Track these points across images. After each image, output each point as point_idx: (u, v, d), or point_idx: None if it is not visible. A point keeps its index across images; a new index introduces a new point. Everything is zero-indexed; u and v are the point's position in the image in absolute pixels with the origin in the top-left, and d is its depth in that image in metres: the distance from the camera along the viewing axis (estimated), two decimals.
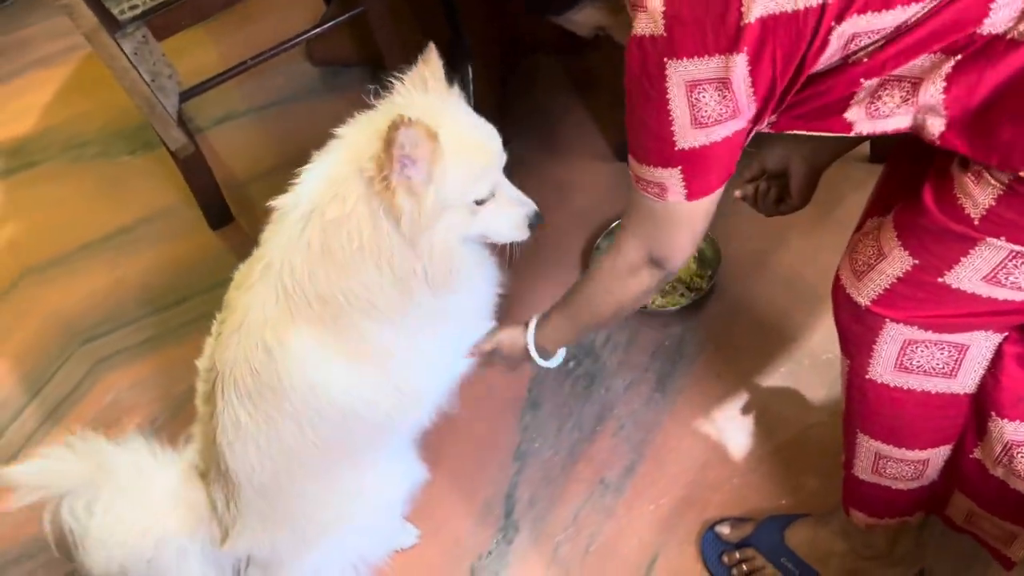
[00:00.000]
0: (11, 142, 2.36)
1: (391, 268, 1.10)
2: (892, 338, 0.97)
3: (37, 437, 1.75)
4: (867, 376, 1.02)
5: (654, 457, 1.50)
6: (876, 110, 0.89)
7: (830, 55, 0.88)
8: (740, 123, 0.92)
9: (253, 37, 2.33)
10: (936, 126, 0.86)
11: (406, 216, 1.04)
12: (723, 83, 0.88)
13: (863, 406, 1.06)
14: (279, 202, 1.14)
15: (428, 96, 1.12)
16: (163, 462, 1.32)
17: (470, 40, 1.90)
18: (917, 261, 0.92)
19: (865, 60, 0.87)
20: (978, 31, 0.82)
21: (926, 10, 0.83)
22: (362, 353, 1.16)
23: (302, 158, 2.27)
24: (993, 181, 0.83)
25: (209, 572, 1.35)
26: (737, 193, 1.29)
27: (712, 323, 1.64)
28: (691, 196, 0.98)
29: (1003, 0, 0.81)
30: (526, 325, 1.26)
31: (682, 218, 1.01)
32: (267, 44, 2.30)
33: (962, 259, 0.89)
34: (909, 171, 0.96)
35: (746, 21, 0.84)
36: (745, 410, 1.52)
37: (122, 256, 2.03)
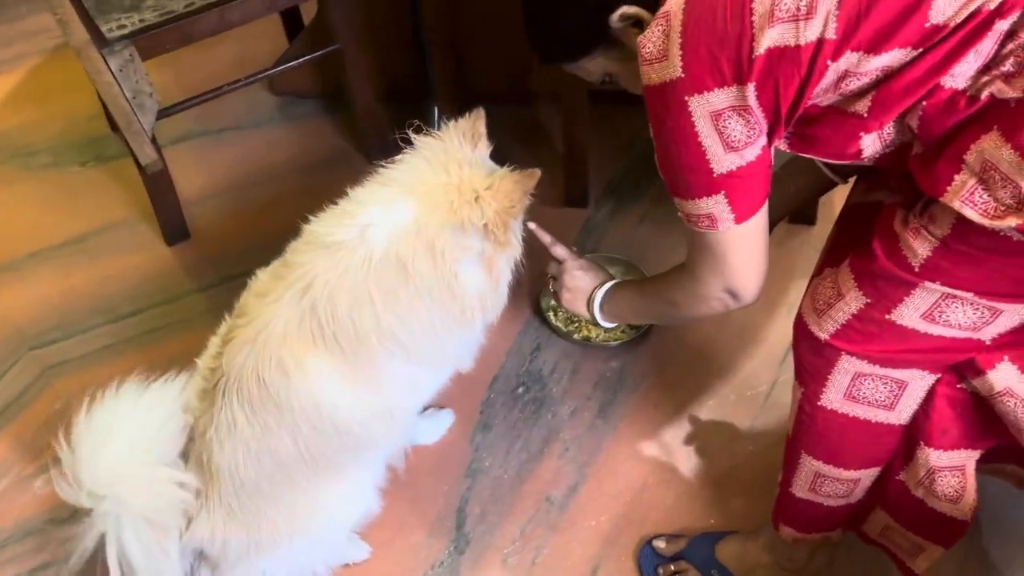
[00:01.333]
0: None
1: (460, 309, 1.25)
2: (845, 370, 1.11)
3: None
4: (819, 403, 1.16)
5: (596, 478, 1.63)
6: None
7: (825, 87, 0.98)
8: (765, 139, 1.02)
9: (214, 61, 2.40)
10: (916, 148, 1.01)
11: (504, 258, 1.24)
12: (743, 109, 0.98)
13: (811, 429, 1.20)
14: (333, 233, 1.21)
15: (477, 152, 1.24)
16: None
17: (440, 79, 2.03)
18: (869, 300, 1.06)
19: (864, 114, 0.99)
20: (941, 83, 0.95)
21: (909, 58, 0.95)
22: (368, 380, 1.25)
23: (254, 183, 2.36)
24: (929, 236, 0.99)
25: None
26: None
27: (650, 358, 1.79)
28: (740, 218, 1.06)
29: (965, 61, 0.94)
30: (602, 282, 1.45)
31: (740, 243, 1.09)
32: (226, 68, 2.38)
33: (905, 299, 1.03)
34: (859, 231, 1.11)
35: (757, 54, 0.95)
36: (679, 438, 1.67)
37: (74, 266, 2.04)
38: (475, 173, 1.22)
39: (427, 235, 1.20)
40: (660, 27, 1.00)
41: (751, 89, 0.97)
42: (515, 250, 1.30)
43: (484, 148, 1.27)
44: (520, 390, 1.76)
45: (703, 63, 0.96)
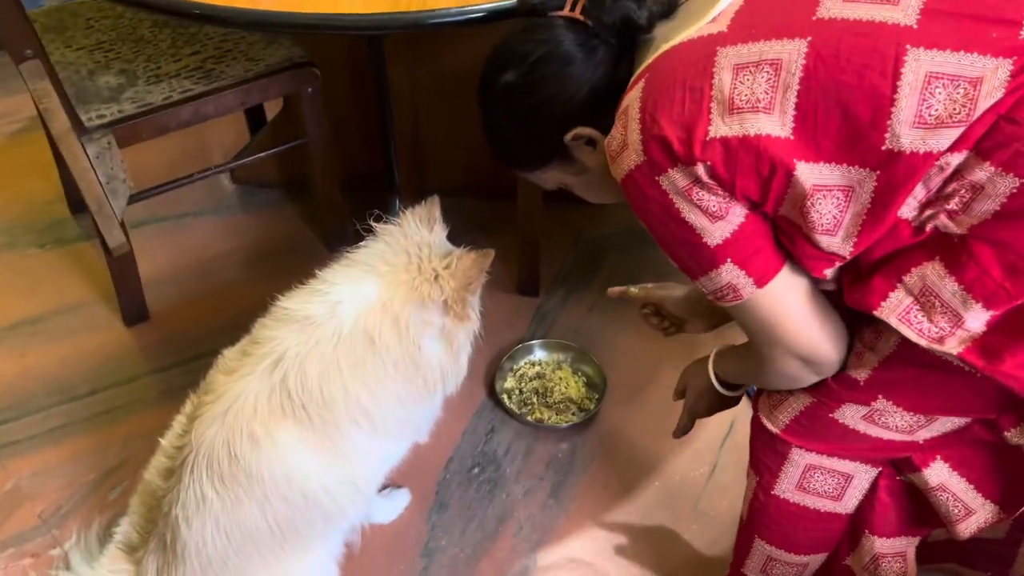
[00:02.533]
0: None
1: (423, 380, 1.34)
2: (796, 463, 1.18)
3: None
4: (772, 492, 1.23)
5: (550, 556, 1.68)
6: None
7: (792, 199, 0.96)
8: (742, 209, 0.98)
9: (175, 147, 2.48)
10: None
11: (464, 332, 1.32)
12: (703, 184, 0.97)
13: (764, 516, 1.26)
14: (304, 309, 1.29)
15: (433, 234, 1.35)
16: None
17: (403, 173, 2.14)
18: (814, 399, 1.13)
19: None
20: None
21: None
22: (336, 449, 1.30)
23: (214, 269, 2.40)
24: (871, 357, 1.04)
25: None
26: (611, 292, 1.50)
27: (599, 441, 1.87)
28: (760, 281, 1.01)
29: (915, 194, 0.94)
30: (706, 360, 1.35)
31: (780, 307, 1.03)
32: (187, 155, 2.46)
33: (847, 401, 1.09)
34: None
35: (712, 137, 0.94)
36: (627, 517, 1.74)
37: (30, 345, 2.05)
38: (434, 254, 1.33)
39: (392, 311, 1.29)
40: (620, 123, 1.03)
41: (701, 169, 0.96)
42: (474, 324, 1.40)
43: (441, 231, 1.38)
44: (475, 470, 1.82)
45: (658, 144, 0.97)
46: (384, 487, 1.75)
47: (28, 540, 1.70)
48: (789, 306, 1.03)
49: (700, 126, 0.95)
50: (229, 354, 1.36)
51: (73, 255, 2.28)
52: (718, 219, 0.98)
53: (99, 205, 1.78)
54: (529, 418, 1.89)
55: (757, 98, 0.94)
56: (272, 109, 2.42)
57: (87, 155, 1.72)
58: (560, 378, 1.96)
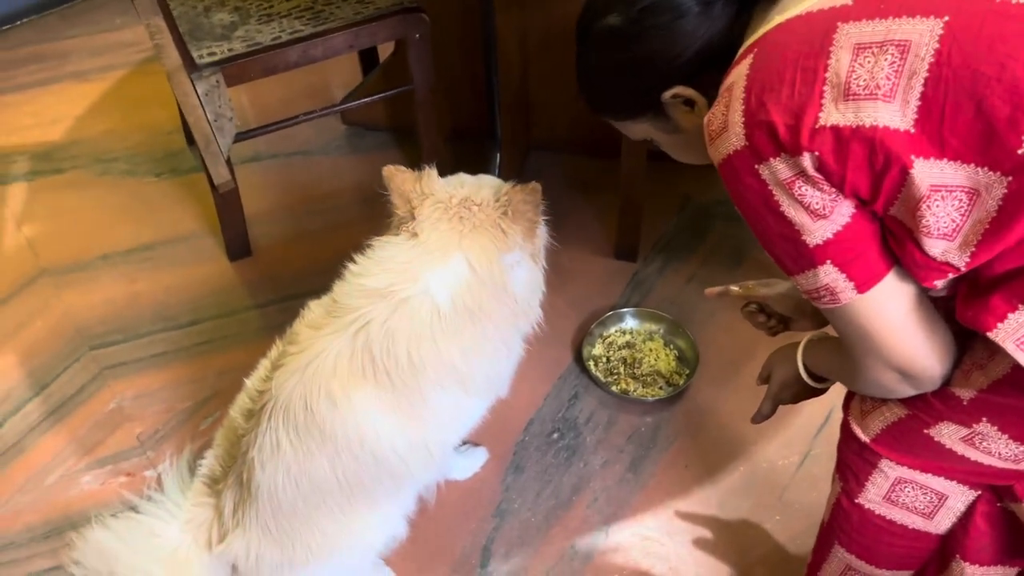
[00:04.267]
0: (41, 146, 2.47)
1: (518, 315, 1.38)
2: (885, 475, 1.10)
3: (37, 432, 1.83)
4: (856, 500, 1.15)
5: (622, 531, 1.65)
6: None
7: (906, 199, 0.87)
8: (849, 207, 0.90)
9: (289, 86, 2.50)
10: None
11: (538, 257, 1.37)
12: (808, 178, 0.89)
13: (847, 524, 1.19)
14: (379, 281, 1.29)
15: (466, 187, 1.36)
16: (165, 515, 1.46)
17: (506, 127, 2.10)
18: (909, 412, 1.04)
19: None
20: None
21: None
22: (413, 414, 1.31)
23: (317, 209, 2.43)
24: (980, 377, 0.94)
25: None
26: (709, 292, 1.43)
27: (685, 418, 1.81)
28: (863, 286, 0.93)
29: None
30: (795, 348, 1.26)
31: (881, 316, 0.94)
32: (300, 94, 2.48)
33: (946, 419, 0.99)
34: None
35: (821, 124, 0.86)
36: (707, 501, 1.69)
37: (141, 272, 2.14)
38: (485, 204, 1.33)
39: (483, 275, 1.29)
40: (723, 101, 0.95)
41: (807, 160, 0.88)
42: (543, 238, 1.42)
43: (468, 178, 1.40)
44: (555, 435, 1.80)
45: (763, 130, 0.90)
46: (463, 443, 1.75)
47: (125, 459, 1.79)
48: (891, 316, 0.94)
49: (810, 112, 0.87)
50: (315, 308, 1.37)
51: (187, 186, 2.35)
52: (821, 217, 0.90)
53: (206, 142, 1.81)
54: (614, 388, 1.84)
55: (877, 84, 0.85)
56: (385, 53, 2.41)
57: (196, 92, 1.74)
58: (651, 350, 1.90)
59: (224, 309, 2.06)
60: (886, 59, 0.85)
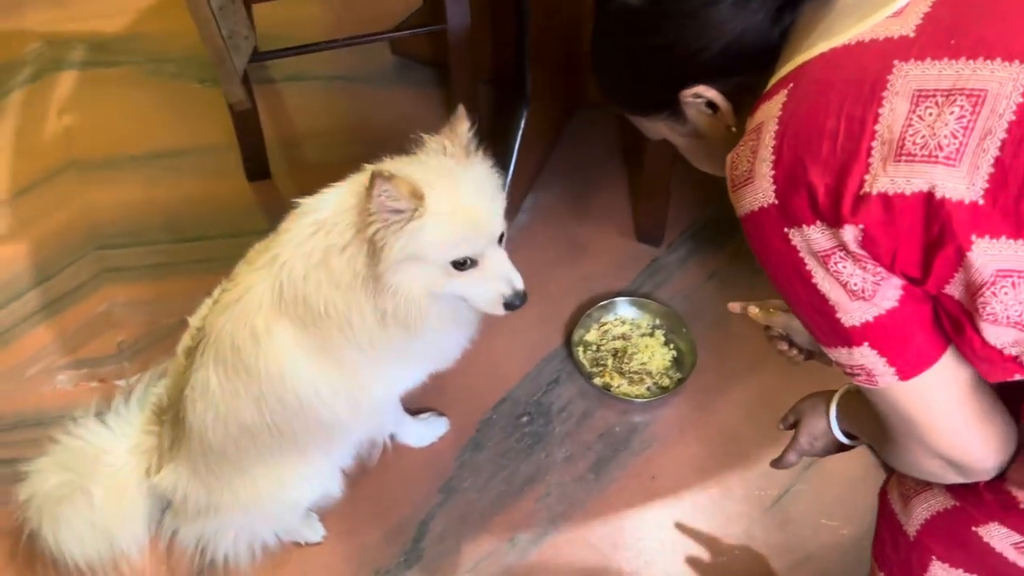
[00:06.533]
0: (98, 36, 2.47)
1: (372, 298, 1.19)
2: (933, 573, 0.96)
3: (29, 324, 1.86)
4: None
5: (566, 533, 1.56)
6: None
7: (964, 282, 0.74)
8: (896, 288, 0.77)
9: (349, 7, 2.42)
10: None
11: (379, 255, 1.14)
12: (848, 253, 0.76)
13: None
14: (304, 202, 1.24)
15: (443, 159, 1.19)
16: (119, 433, 1.49)
17: (537, 81, 1.95)
18: (956, 503, 0.91)
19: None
20: None
21: None
22: (332, 361, 1.25)
23: (348, 139, 2.34)
24: None
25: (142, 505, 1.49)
26: (732, 307, 1.24)
27: (665, 425, 1.68)
28: (906, 373, 0.80)
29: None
30: (828, 400, 1.11)
31: (925, 404, 0.82)
32: (357, 17, 2.38)
33: (999, 519, 0.87)
34: None
35: (866, 191, 0.73)
36: (664, 521, 1.56)
37: (163, 177, 2.13)
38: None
39: (346, 215, 1.17)
40: (749, 143, 0.81)
41: (850, 234, 0.75)
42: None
43: (462, 159, 1.21)
44: (524, 419, 1.70)
45: (798, 189, 0.76)
46: (424, 411, 1.68)
47: (101, 365, 1.80)
48: (938, 407, 0.82)
49: (854, 174, 0.73)
50: (258, 246, 1.33)
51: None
52: (860, 299, 0.78)
53: (220, 59, 1.75)
54: (596, 380, 1.72)
55: (939, 143, 0.71)
56: None
57: (210, 5, 1.67)
58: (646, 345, 1.76)
59: (233, 229, 2.03)
60: (952, 112, 0.71)
